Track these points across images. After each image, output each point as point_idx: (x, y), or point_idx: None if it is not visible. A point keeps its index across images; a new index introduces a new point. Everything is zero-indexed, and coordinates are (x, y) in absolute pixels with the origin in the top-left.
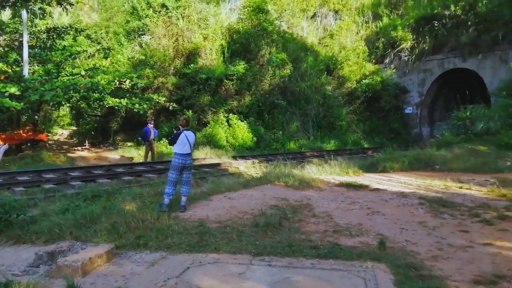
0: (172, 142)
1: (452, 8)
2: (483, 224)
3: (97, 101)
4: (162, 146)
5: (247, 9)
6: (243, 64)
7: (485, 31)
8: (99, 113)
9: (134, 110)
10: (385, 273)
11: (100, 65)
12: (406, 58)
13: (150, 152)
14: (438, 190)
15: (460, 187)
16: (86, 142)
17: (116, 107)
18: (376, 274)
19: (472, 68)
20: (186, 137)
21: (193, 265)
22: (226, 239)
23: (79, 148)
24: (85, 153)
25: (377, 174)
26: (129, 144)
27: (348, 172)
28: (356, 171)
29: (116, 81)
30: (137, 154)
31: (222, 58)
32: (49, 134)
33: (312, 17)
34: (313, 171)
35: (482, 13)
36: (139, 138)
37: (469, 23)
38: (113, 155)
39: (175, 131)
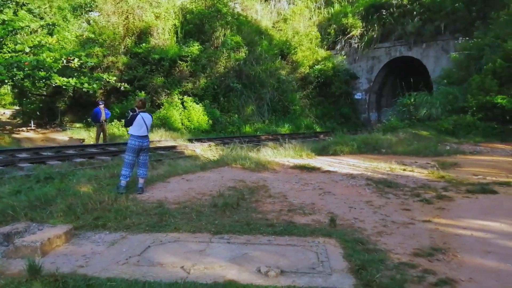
0: (128, 124)
1: None
2: (423, 203)
3: (43, 80)
4: (114, 128)
5: None
6: (197, 46)
7: (429, 21)
8: (45, 93)
9: (83, 90)
10: (335, 247)
11: (45, 42)
12: (356, 45)
13: (102, 133)
14: (384, 172)
15: (404, 169)
16: (32, 122)
17: (63, 87)
18: (327, 248)
19: (417, 56)
20: (143, 118)
21: (154, 244)
22: (186, 219)
23: (24, 129)
24: (31, 134)
25: (329, 157)
26: (77, 125)
27: (301, 155)
28: (309, 154)
29: (63, 59)
30: (87, 135)
31: (175, 38)
32: None
33: (266, 0)
34: (268, 154)
35: (427, 4)
36: (89, 119)
37: (415, 12)
38: (62, 137)
39: (130, 113)
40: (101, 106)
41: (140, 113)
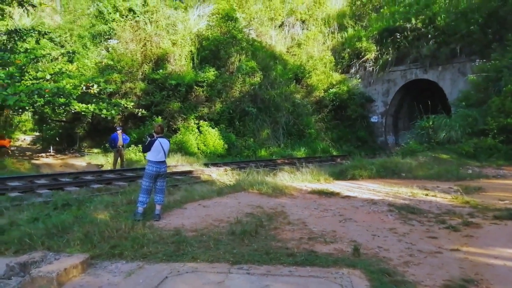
0: (146, 149)
1: (413, 21)
2: (450, 230)
3: (63, 106)
4: (131, 153)
5: (216, 16)
6: (213, 71)
7: (444, 44)
8: (64, 119)
9: (102, 115)
10: (360, 279)
11: (66, 69)
12: (370, 69)
13: (119, 159)
14: (406, 197)
15: (426, 194)
16: (51, 148)
17: (82, 113)
18: (352, 280)
19: (433, 79)
20: (161, 144)
21: (171, 275)
22: (203, 247)
23: (43, 154)
24: (50, 160)
25: (347, 181)
26: (95, 150)
27: (319, 180)
28: (327, 178)
29: (82, 85)
30: (105, 161)
31: (191, 64)
32: (11, 140)
33: (280, 26)
34: (285, 178)
35: (441, 27)
36: (107, 145)
37: (429, 36)
38: (80, 162)
39: (149, 138)
40: (119, 132)
41: (158, 139)
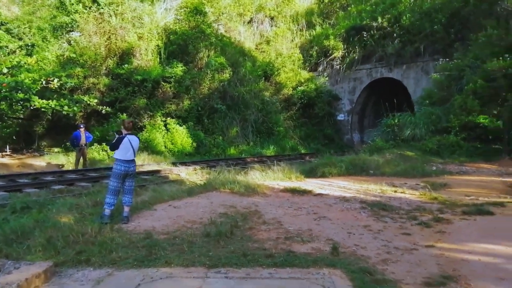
0: (113, 147)
1: (379, 20)
2: (422, 226)
3: (21, 102)
4: (94, 152)
5: (184, 10)
6: (181, 67)
7: (408, 43)
8: (22, 116)
9: (63, 112)
10: (342, 279)
11: (24, 63)
12: (338, 67)
13: (82, 158)
14: (376, 194)
15: (395, 191)
16: (7, 147)
17: (42, 109)
18: (334, 281)
19: (398, 77)
20: (130, 142)
21: (144, 282)
22: (177, 251)
23: None
24: (6, 160)
25: (317, 179)
26: (56, 150)
27: (290, 178)
28: (298, 176)
29: (42, 80)
30: (66, 160)
31: (158, 59)
32: None
33: (249, 22)
34: (257, 177)
35: (406, 26)
36: (68, 144)
37: (395, 34)
38: (39, 162)
39: (116, 135)
40: (82, 130)
41: (127, 136)
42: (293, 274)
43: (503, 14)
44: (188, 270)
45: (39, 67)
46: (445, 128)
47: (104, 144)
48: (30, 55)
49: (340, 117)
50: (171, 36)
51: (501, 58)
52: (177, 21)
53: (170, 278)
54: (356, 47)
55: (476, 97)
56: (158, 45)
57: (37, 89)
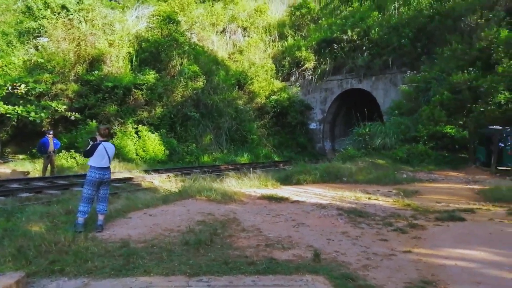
0: (88, 154)
1: (349, 33)
2: (398, 232)
3: None
4: (62, 159)
5: (157, 18)
6: (153, 74)
7: (377, 56)
8: None
9: (29, 119)
10: (325, 285)
11: None
12: (309, 77)
13: (49, 165)
14: (351, 201)
15: (369, 198)
16: None
17: (7, 115)
18: (317, 287)
19: (367, 88)
20: (105, 148)
21: None
22: (156, 259)
23: None
24: None
25: (293, 186)
26: (21, 156)
27: (267, 185)
28: (274, 183)
29: (8, 85)
30: (32, 167)
31: (130, 66)
32: None
33: (222, 32)
34: (233, 184)
35: (375, 39)
36: (36, 150)
37: (364, 47)
38: (3, 169)
39: (91, 142)
40: (50, 136)
41: (102, 143)
42: (276, 281)
43: (466, 29)
44: (168, 279)
45: (4, 72)
46: (414, 137)
47: (72, 151)
48: None
49: (312, 126)
50: (143, 43)
51: (465, 71)
52: (149, 29)
53: (150, 287)
54: (327, 58)
55: (443, 108)
56: (129, 52)
57: (2, 95)
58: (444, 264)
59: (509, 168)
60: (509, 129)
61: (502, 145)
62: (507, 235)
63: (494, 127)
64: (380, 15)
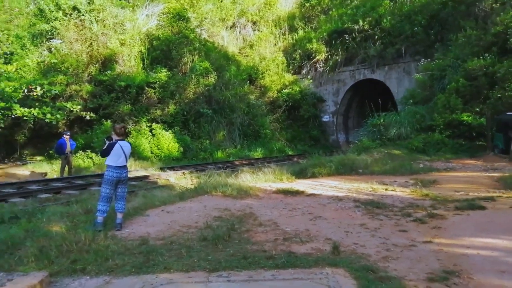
0: (105, 154)
1: (360, 22)
2: (418, 223)
3: (2, 111)
4: (78, 159)
5: (167, 16)
6: (165, 72)
7: (390, 45)
8: (2, 125)
9: (45, 120)
10: (345, 278)
11: (4, 71)
12: (321, 69)
13: (67, 166)
14: (368, 192)
15: (386, 189)
16: None
17: (24, 118)
18: (338, 280)
19: (380, 78)
20: (121, 147)
21: None
22: (175, 256)
23: None
24: None
25: (308, 179)
26: (39, 158)
27: (282, 179)
28: (289, 177)
29: (24, 88)
30: (50, 169)
31: (142, 65)
32: None
33: (231, 27)
34: (248, 179)
35: (387, 28)
36: (53, 152)
37: (376, 37)
38: (22, 171)
39: (107, 142)
40: (66, 137)
41: (118, 142)
42: (296, 275)
43: (480, 15)
44: (188, 275)
45: (19, 75)
46: (430, 126)
47: (88, 151)
48: (9, 63)
49: (325, 118)
50: (154, 41)
51: (481, 57)
52: (160, 26)
53: (171, 283)
54: (339, 49)
55: (459, 95)
56: (141, 51)
57: (18, 98)
58: (466, 253)
59: None
60: None
61: None
62: None
63: None
64: (391, 3)
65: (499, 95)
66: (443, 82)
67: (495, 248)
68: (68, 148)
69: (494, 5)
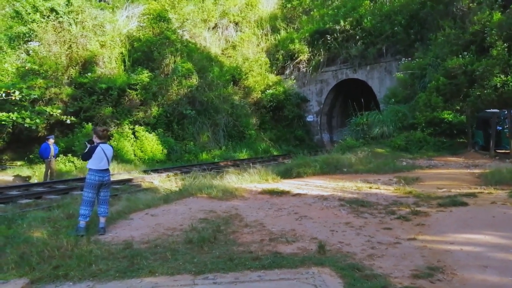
0: (86, 157)
1: (342, 23)
2: (402, 220)
3: None
4: (60, 163)
5: (147, 17)
6: (147, 73)
7: (371, 45)
8: None
9: (25, 125)
10: (332, 277)
11: None
12: (304, 70)
13: (49, 170)
14: (352, 191)
15: (370, 187)
16: None
17: (3, 123)
18: (324, 279)
19: (362, 78)
20: (103, 150)
21: None
22: (160, 259)
23: None
24: None
25: (293, 179)
26: (19, 163)
27: (267, 179)
28: (274, 177)
29: (2, 92)
30: (31, 173)
31: (123, 66)
32: None
33: (214, 28)
34: (233, 180)
35: (368, 28)
36: (34, 156)
37: (357, 37)
38: (2, 176)
39: (88, 145)
40: (50, 141)
41: (100, 145)
42: (282, 275)
43: (459, 14)
44: (174, 279)
45: None
46: (412, 124)
47: (70, 155)
48: None
49: (310, 118)
50: (135, 43)
51: (460, 55)
52: (141, 28)
53: (156, 287)
54: (321, 50)
55: (439, 93)
56: (122, 53)
57: None
58: (450, 249)
59: (508, 151)
60: (506, 112)
61: (500, 128)
62: (510, 217)
63: (491, 110)
64: (372, 4)
65: (478, 93)
66: (423, 80)
67: (478, 243)
68: (52, 152)
69: (471, 4)
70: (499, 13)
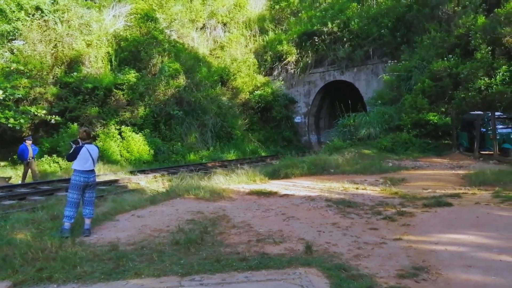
0: (71, 158)
1: (329, 25)
2: (387, 220)
3: None
4: (44, 164)
5: (135, 16)
6: (134, 73)
7: (358, 47)
8: None
9: (9, 125)
10: (318, 277)
11: None
12: (292, 71)
13: (30, 172)
14: (339, 191)
15: (357, 188)
16: None
17: None
18: (311, 279)
19: (349, 80)
20: (88, 151)
21: None
22: (146, 261)
23: None
24: None
25: (281, 180)
26: (2, 163)
27: (255, 180)
28: (262, 178)
29: None
30: (14, 174)
31: (109, 66)
32: None
33: (202, 28)
34: (221, 181)
35: (355, 30)
36: (16, 157)
37: (345, 39)
38: None
39: (73, 145)
40: (28, 143)
41: (85, 145)
42: (269, 276)
43: (444, 17)
44: (160, 280)
45: None
46: (398, 126)
47: (55, 155)
48: None
49: (297, 119)
50: (122, 42)
51: (445, 58)
52: (128, 27)
53: None
54: (309, 51)
55: (425, 95)
56: (108, 52)
57: None
58: (435, 249)
59: (492, 152)
60: (490, 114)
61: (484, 130)
62: (493, 217)
63: (476, 112)
64: (359, 6)
65: (463, 95)
66: (409, 83)
67: (462, 243)
68: (30, 154)
69: (456, 8)
70: (483, 17)
